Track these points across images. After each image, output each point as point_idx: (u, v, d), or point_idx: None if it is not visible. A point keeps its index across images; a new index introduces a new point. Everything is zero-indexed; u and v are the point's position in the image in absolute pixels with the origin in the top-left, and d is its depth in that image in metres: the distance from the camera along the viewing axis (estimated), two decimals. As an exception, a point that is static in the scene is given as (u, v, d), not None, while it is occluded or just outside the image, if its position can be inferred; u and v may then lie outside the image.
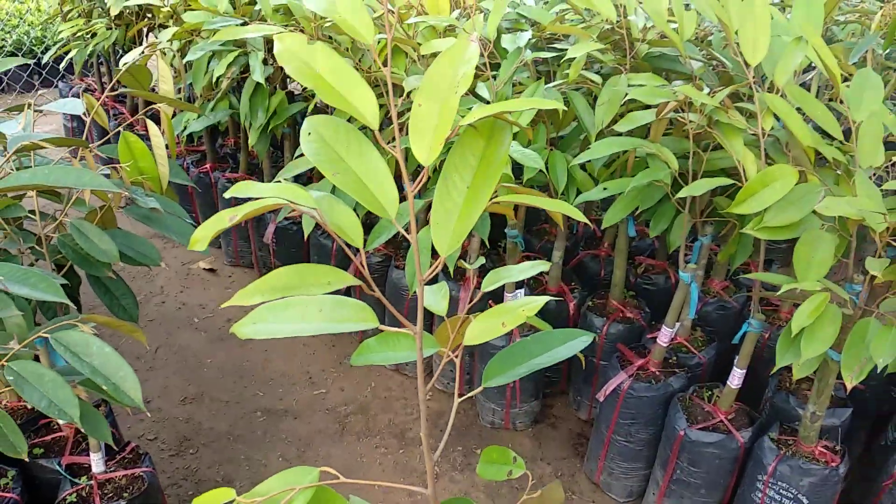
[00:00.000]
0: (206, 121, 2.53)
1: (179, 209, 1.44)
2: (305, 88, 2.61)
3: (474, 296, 2.15)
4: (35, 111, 1.47)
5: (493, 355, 2.20)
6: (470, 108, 1.72)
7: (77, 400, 1.01)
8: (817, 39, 1.36)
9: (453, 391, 2.41)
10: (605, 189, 1.58)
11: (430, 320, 2.35)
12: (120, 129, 1.48)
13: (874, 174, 1.40)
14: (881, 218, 1.23)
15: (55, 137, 1.11)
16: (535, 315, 0.83)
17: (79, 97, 4.23)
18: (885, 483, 1.59)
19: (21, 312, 1.04)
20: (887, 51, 2.17)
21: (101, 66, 3.95)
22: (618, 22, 1.71)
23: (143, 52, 2.21)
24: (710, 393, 1.80)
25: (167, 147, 1.53)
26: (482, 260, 0.94)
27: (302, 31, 2.07)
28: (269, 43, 2.31)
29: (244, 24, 2.20)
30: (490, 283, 0.83)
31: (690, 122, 1.49)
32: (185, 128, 2.53)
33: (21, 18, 5.38)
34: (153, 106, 1.62)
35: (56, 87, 4.94)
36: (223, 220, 0.67)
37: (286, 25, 2.11)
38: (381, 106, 1.73)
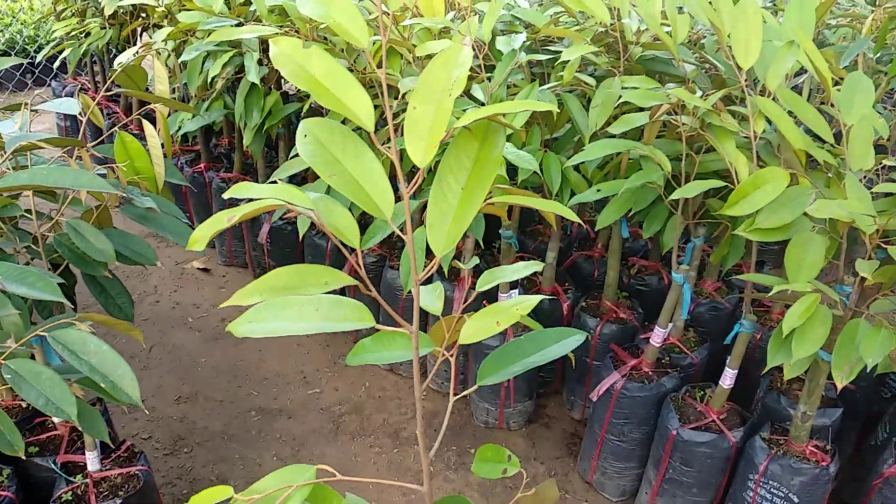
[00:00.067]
0: (200, 121, 2.53)
1: (175, 209, 1.45)
2: (300, 89, 2.62)
3: (469, 296, 2.16)
4: (22, 107, 1.48)
5: (487, 355, 2.21)
6: (465, 110, 1.73)
7: (74, 398, 1.01)
8: (809, 44, 1.37)
9: (447, 391, 2.42)
10: (598, 191, 1.59)
11: (425, 320, 2.36)
12: (115, 129, 1.49)
13: (864, 177, 1.42)
14: (871, 220, 1.25)
15: (53, 138, 1.12)
16: (530, 316, 0.84)
17: (72, 96, 4.22)
18: (874, 482, 1.61)
19: (18, 311, 1.04)
20: (878, 54, 2.19)
21: (94, 66, 3.94)
22: (612, 25, 1.72)
23: (137, 53, 2.21)
24: (702, 393, 1.82)
25: (163, 147, 1.53)
26: (476, 260, 0.95)
27: (297, 31, 2.08)
28: (264, 43, 2.31)
29: (239, 24, 2.21)
30: (485, 283, 0.84)
31: (683, 124, 1.51)
32: (180, 128, 2.53)
33: (14, 17, 5.36)
34: (148, 106, 1.62)
35: (49, 85, 4.93)
36: (221, 220, 0.68)
37: (281, 26, 2.11)
38: (375, 107, 1.74)
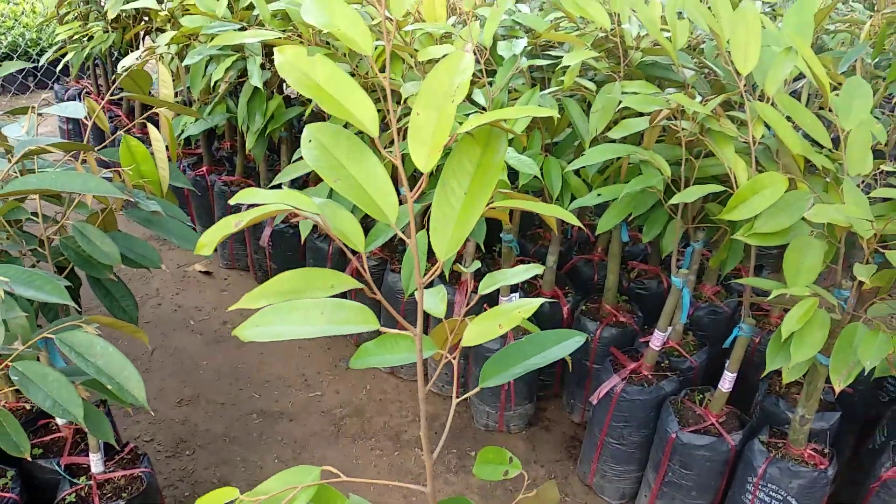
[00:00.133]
0: (203, 124, 2.55)
1: (180, 212, 1.46)
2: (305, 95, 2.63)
3: (471, 299, 2.18)
4: (29, 111, 1.49)
5: (488, 358, 2.22)
6: (467, 115, 1.74)
7: (81, 400, 1.03)
8: (807, 50, 1.38)
9: (447, 394, 2.43)
10: (599, 195, 1.60)
11: (426, 323, 2.37)
12: (120, 132, 1.50)
13: (862, 182, 1.43)
14: (868, 225, 1.26)
15: (62, 142, 1.13)
16: (530, 319, 0.85)
17: (75, 99, 4.24)
18: (872, 486, 1.62)
19: (25, 314, 1.06)
20: (876, 60, 2.21)
21: (97, 69, 3.96)
22: (612, 30, 1.74)
23: (140, 57, 2.23)
24: (701, 396, 1.83)
25: (167, 150, 1.55)
26: (478, 264, 0.96)
27: (300, 36, 2.09)
28: (266, 48, 2.33)
29: (242, 28, 2.22)
30: (487, 287, 0.85)
31: (683, 129, 1.52)
32: (183, 131, 2.55)
33: (16, 20, 5.38)
34: (152, 110, 1.63)
35: (52, 88, 4.95)
36: (229, 225, 0.69)
37: (284, 30, 2.13)
38: (377, 111, 1.75)
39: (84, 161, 1.35)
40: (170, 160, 1.54)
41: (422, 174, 0.70)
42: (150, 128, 1.50)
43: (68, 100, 4.15)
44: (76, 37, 3.28)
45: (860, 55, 2.06)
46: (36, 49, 5.24)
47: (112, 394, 1.06)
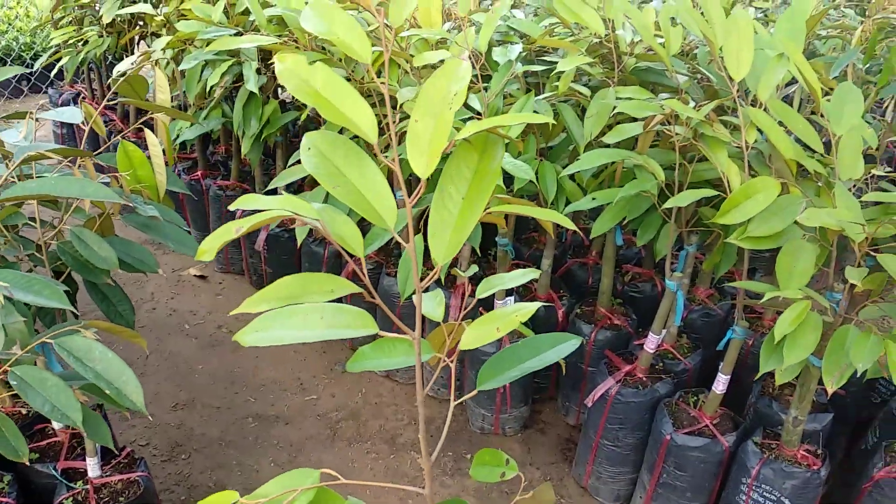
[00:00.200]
0: (199, 129, 2.55)
1: (177, 217, 1.47)
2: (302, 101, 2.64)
3: (468, 303, 2.19)
4: (27, 117, 1.50)
5: (483, 361, 2.23)
6: (462, 120, 1.75)
7: (79, 404, 1.03)
8: (799, 56, 1.40)
9: (442, 397, 2.44)
10: (593, 199, 1.61)
11: (422, 326, 2.38)
12: (118, 137, 1.51)
13: (854, 186, 1.45)
14: (860, 228, 1.27)
15: (60, 148, 1.14)
16: (525, 323, 0.86)
17: (70, 104, 4.23)
18: (865, 486, 1.63)
19: (23, 319, 1.06)
20: (867, 65, 2.23)
21: (91, 74, 3.96)
22: (606, 36, 1.75)
23: (134, 62, 2.23)
24: (695, 398, 1.84)
25: (164, 155, 1.55)
26: (475, 268, 0.97)
27: (296, 41, 2.10)
28: (262, 53, 2.34)
29: (238, 34, 2.23)
30: (484, 291, 0.86)
31: (677, 134, 1.54)
32: (178, 136, 2.55)
33: (10, 24, 5.37)
34: (148, 115, 1.64)
35: (45, 92, 4.93)
36: (230, 231, 0.70)
37: (280, 36, 2.14)
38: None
39: (81, 166, 1.36)
40: (167, 165, 1.55)
41: (417, 177, 0.71)
42: (147, 133, 1.51)
43: (63, 104, 4.15)
44: (71, 41, 3.28)
45: (851, 60, 2.08)
46: (30, 53, 5.23)
47: (110, 398, 1.06)
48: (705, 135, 1.52)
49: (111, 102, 3.44)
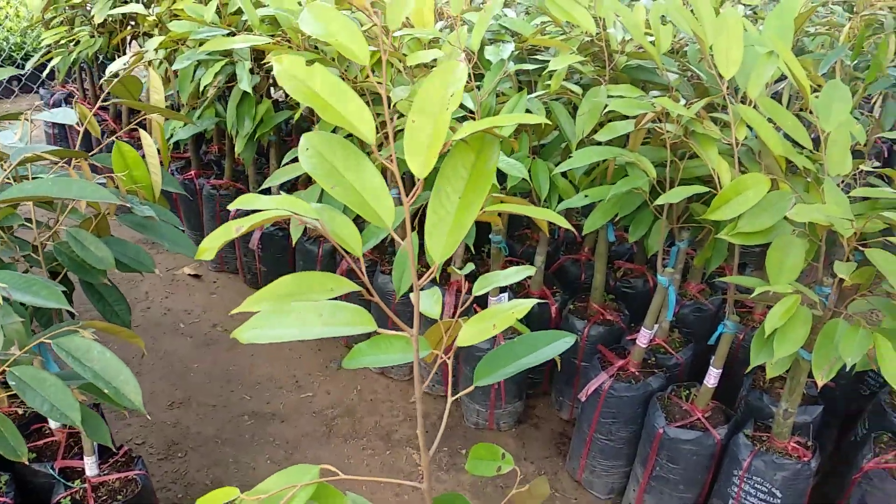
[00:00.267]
0: (192, 129, 2.56)
1: (173, 217, 1.47)
2: (290, 96, 2.65)
3: (465, 300, 2.20)
4: (22, 118, 1.50)
5: (478, 358, 2.24)
6: (455, 118, 1.77)
7: (78, 403, 1.04)
8: (788, 53, 1.42)
9: (437, 393, 2.45)
10: (586, 196, 1.63)
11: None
12: (113, 138, 1.51)
13: (842, 182, 1.47)
14: (848, 224, 1.29)
15: (57, 149, 1.14)
16: (520, 319, 0.87)
17: (61, 104, 4.20)
18: (854, 477, 1.65)
19: (22, 319, 1.07)
20: (855, 62, 2.25)
21: (83, 74, 3.95)
22: (597, 34, 1.77)
23: (127, 63, 2.23)
24: (687, 392, 1.86)
25: (159, 154, 1.56)
26: (472, 266, 0.98)
27: (288, 41, 2.11)
28: (255, 52, 2.34)
29: (231, 34, 2.23)
30: (481, 288, 0.88)
31: (668, 132, 1.55)
32: (172, 136, 2.56)
33: (0, 25, 5.35)
34: (141, 115, 1.65)
35: (37, 92, 4.92)
36: (230, 231, 0.71)
37: (273, 35, 2.14)
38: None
39: (77, 167, 1.36)
40: (161, 165, 1.56)
41: (412, 175, 0.72)
42: (143, 133, 1.51)
43: (54, 104, 4.14)
44: (62, 41, 3.28)
45: (840, 57, 2.10)
46: (20, 53, 5.21)
47: (109, 397, 1.07)
48: (696, 132, 1.53)
49: (105, 103, 3.43)
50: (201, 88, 2.34)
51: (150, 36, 2.82)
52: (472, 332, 0.81)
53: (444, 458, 2.17)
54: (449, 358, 0.87)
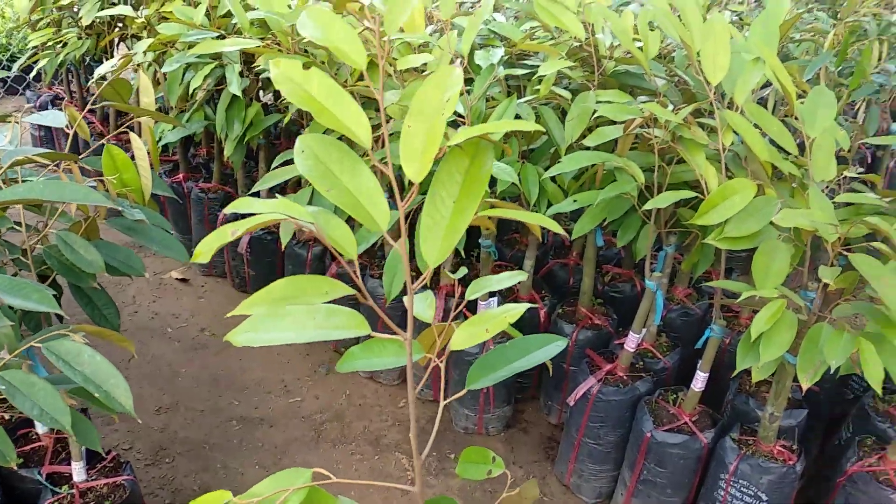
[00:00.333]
0: (181, 132, 2.55)
1: (163, 220, 1.47)
2: (279, 100, 2.65)
3: (456, 304, 2.21)
4: (11, 121, 1.49)
5: (467, 362, 2.24)
6: (446, 123, 1.77)
7: (68, 408, 1.03)
8: (774, 60, 1.44)
9: (425, 398, 2.45)
10: (575, 201, 1.64)
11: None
12: (103, 141, 1.50)
13: (827, 187, 1.49)
14: (833, 229, 1.31)
15: (48, 152, 1.14)
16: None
17: (47, 106, 4.18)
18: (839, 480, 1.67)
19: (11, 323, 1.06)
20: (839, 68, 2.29)
21: (70, 76, 3.92)
22: (586, 40, 1.78)
23: (114, 65, 2.22)
24: (674, 396, 1.88)
25: (149, 156, 1.55)
26: (465, 270, 0.99)
27: (278, 44, 2.11)
28: (244, 55, 2.34)
29: (220, 37, 2.23)
30: (474, 292, 0.88)
31: (656, 137, 1.57)
32: (161, 138, 2.55)
33: (-16, 26, 5.30)
34: (129, 117, 1.64)
35: (23, 94, 4.88)
36: (225, 234, 0.71)
37: (263, 39, 2.15)
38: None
39: (67, 170, 1.36)
40: (152, 168, 1.55)
41: (404, 177, 0.73)
42: (133, 136, 1.51)
43: (41, 106, 4.11)
44: (49, 43, 3.26)
45: (824, 63, 2.13)
46: (6, 55, 5.16)
47: (99, 402, 1.07)
48: (683, 137, 1.55)
49: (95, 106, 3.42)
50: (190, 91, 2.34)
51: (139, 38, 2.82)
52: (464, 336, 0.82)
53: (433, 463, 2.18)
54: (442, 362, 0.87)
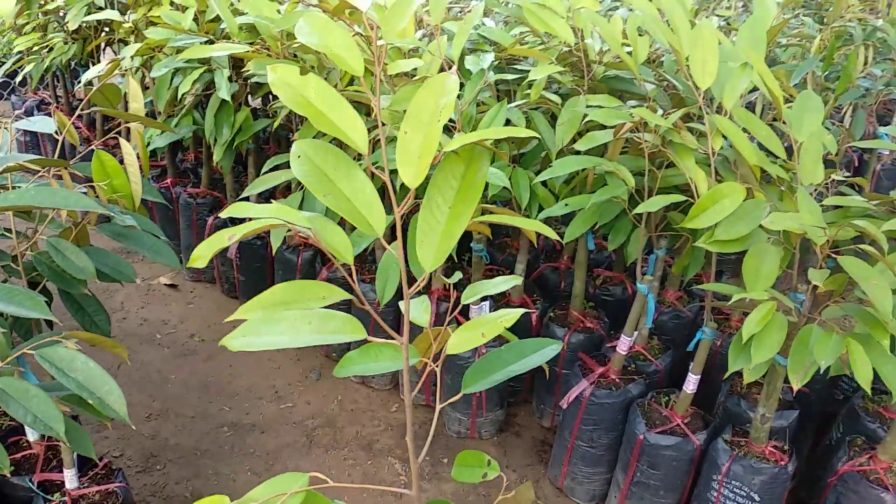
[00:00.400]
0: (170, 137, 2.54)
1: (153, 226, 1.47)
2: (268, 104, 2.64)
3: (451, 308, 2.21)
4: (1, 127, 1.48)
5: (459, 366, 2.24)
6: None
7: (61, 415, 1.03)
8: (761, 65, 1.46)
9: (417, 402, 2.45)
10: (566, 205, 1.65)
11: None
12: (92, 147, 1.50)
13: (815, 190, 1.50)
14: (822, 232, 1.33)
15: (40, 158, 1.13)
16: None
17: (33, 111, 4.13)
18: (830, 480, 1.69)
19: (3, 330, 1.06)
20: (826, 72, 2.31)
21: (56, 80, 3.90)
22: (575, 45, 1.79)
23: (102, 70, 2.21)
24: (667, 398, 1.89)
25: (139, 161, 1.55)
26: (459, 275, 0.99)
27: (267, 49, 2.10)
28: (233, 60, 2.33)
29: (209, 41, 2.23)
30: (469, 297, 0.89)
31: (646, 141, 1.58)
32: (149, 143, 2.53)
33: (-31, 30, 5.26)
34: (115, 122, 1.63)
35: (7, 99, 4.85)
36: (222, 239, 0.71)
37: (251, 43, 2.14)
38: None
39: (56, 176, 1.35)
40: (142, 173, 1.55)
41: (409, 191, 0.73)
42: (123, 142, 1.50)
43: (26, 111, 4.09)
44: (35, 48, 3.24)
45: (811, 68, 2.16)
46: (-10, 59, 5.12)
47: (93, 408, 1.06)
48: (673, 142, 1.56)
49: (85, 112, 3.40)
50: (179, 96, 2.33)
51: (126, 43, 2.80)
52: (460, 340, 0.82)
53: (426, 468, 2.17)
54: (438, 366, 0.88)
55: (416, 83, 1.64)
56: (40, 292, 1.43)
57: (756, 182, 1.51)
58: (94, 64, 3.05)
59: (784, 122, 1.50)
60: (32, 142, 4.08)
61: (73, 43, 3.17)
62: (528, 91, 1.78)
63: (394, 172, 0.75)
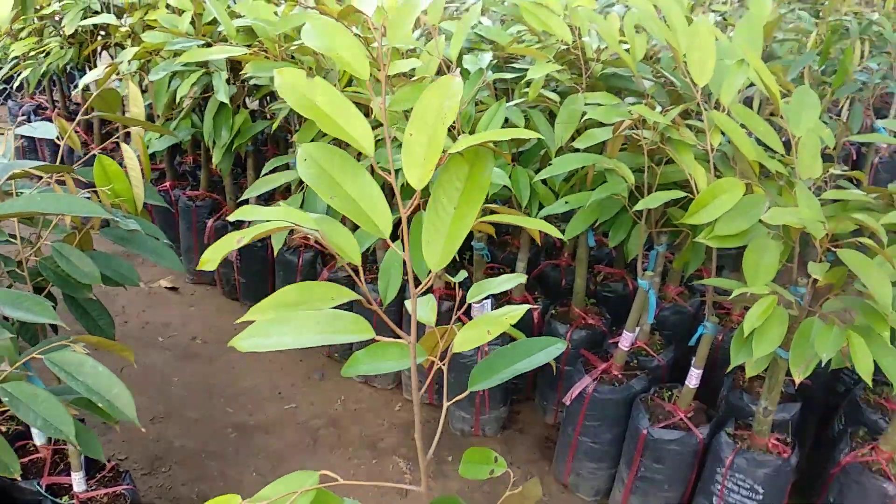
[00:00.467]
0: (169, 140, 2.54)
1: (156, 229, 1.47)
2: (266, 107, 2.65)
3: (456, 307, 2.22)
4: (4, 133, 1.49)
5: (462, 365, 2.24)
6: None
7: (71, 418, 1.04)
8: (758, 61, 1.46)
9: (422, 401, 2.46)
10: (566, 203, 1.66)
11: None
12: (94, 152, 1.51)
13: (813, 185, 1.51)
14: (821, 226, 1.33)
15: (44, 164, 1.14)
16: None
17: (30, 116, 4.13)
18: (832, 472, 1.70)
19: (11, 335, 1.06)
20: (822, 67, 2.32)
21: (52, 85, 3.90)
22: (573, 43, 1.80)
23: (99, 74, 2.21)
24: (669, 393, 1.90)
25: (140, 164, 1.55)
26: (464, 273, 1.00)
27: (265, 51, 2.11)
28: (231, 63, 2.34)
29: (206, 45, 2.23)
30: (475, 295, 0.90)
31: (645, 138, 1.59)
32: (147, 147, 2.54)
33: (-36, 36, 5.25)
34: (113, 126, 1.64)
35: (3, 104, 4.84)
36: (231, 242, 0.72)
37: (249, 46, 2.15)
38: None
39: (60, 181, 1.36)
40: (144, 177, 1.55)
41: (415, 193, 0.74)
42: (124, 146, 1.51)
43: (23, 116, 4.09)
44: (32, 53, 3.24)
45: (808, 63, 2.17)
46: (-14, 65, 5.12)
47: (102, 411, 1.07)
48: (672, 138, 1.57)
49: (86, 117, 3.41)
50: (177, 99, 2.34)
51: (122, 47, 2.81)
52: (466, 338, 0.83)
53: (431, 466, 2.18)
54: (444, 364, 0.88)
55: (415, 83, 1.64)
56: (45, 297, 1.43)
57: (755, 177, 1.52)
58: (90, 68, 3.05)
59: (782, 118, 1.51)
60: (30, 147, 4.08)
61: (70, 47, 3.18)
62: (527, 89, 1.79)
63: (397, 172, 0.76)
